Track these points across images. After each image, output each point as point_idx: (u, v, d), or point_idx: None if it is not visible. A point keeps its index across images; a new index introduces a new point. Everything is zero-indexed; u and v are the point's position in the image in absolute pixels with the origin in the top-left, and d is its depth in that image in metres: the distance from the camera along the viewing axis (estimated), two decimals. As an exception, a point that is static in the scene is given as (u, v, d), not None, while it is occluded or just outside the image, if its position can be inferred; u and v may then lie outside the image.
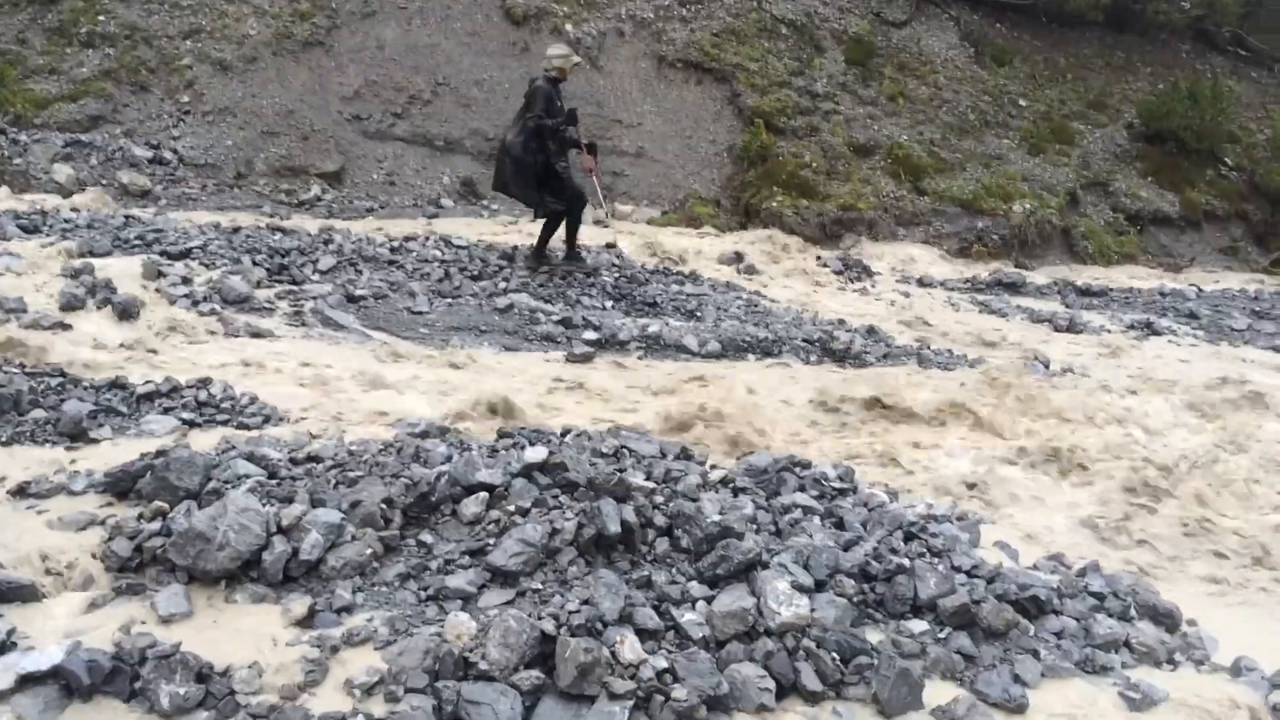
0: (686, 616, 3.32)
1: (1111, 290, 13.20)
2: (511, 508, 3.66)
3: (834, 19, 18.13)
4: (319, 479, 3.82)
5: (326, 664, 2.94)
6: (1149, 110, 18.50)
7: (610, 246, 11.01)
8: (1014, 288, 12.79)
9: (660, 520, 3.84)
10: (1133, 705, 3.28)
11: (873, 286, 12.07)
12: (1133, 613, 4.01)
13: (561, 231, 9.60)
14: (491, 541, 3.50)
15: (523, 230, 11.76)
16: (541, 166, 9.15)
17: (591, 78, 15.53)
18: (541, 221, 9.63)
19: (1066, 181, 16.77)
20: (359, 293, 7.80)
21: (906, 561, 3.84)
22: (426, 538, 3.59)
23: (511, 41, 15.54)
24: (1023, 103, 18.41)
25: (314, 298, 7.46)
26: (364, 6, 15.09)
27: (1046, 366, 8.62)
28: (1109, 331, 10.69)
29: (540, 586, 3.35)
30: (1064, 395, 7.26)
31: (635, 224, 13.28)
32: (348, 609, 3.19)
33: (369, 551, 3.41)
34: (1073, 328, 10.69)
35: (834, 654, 3.29)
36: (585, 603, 3.22)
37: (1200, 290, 13.78)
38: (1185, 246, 16.99)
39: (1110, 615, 3.92)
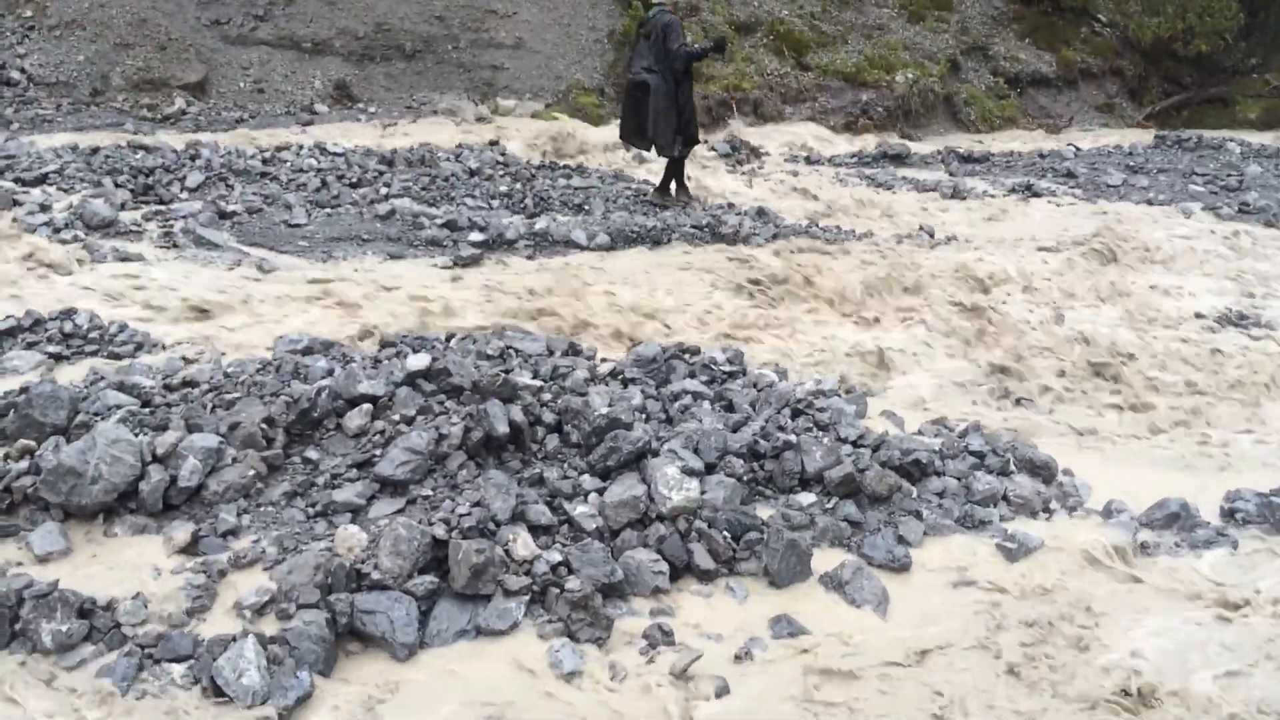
0: (579, 509, 3.36)
1: (993, 155, 13.43)
2: (396, 417, 3.63)
3: (708, -109, 17.66)
4: (194, 404, 3.72)
5: (214, 588, 2.91)
6: (1025, -32, 18.59)
7: (493, 144, 10.76)
8: (900, 159, 12.91)
9: (549, 417, 3.84)
10: (1009, 555, 3.44)
11: (761, 167, 12.06)
12: (1011, 468, 4.18)
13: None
14: (378, 453, 3.46)
15: (404, 134, 11.42)
16: (683, 103, 8.97)
17: (462, -34, 14.95)
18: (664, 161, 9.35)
19: (947, 48, 16.86)
20: (231, 208, 7.51)
21: (793, 438, 3.93)
22: (311, 454, 3.53)
23: (374, -69, 14.82)
24: (899, -32, 18.31)
25: (184, 216, 7.15)
26: (212, -99, 14.19)
27: (932, 235, 8.77)
28: (992, 196, 10.91)
29: (430, 493, 3.35)
30: (949, 261, 7.41)
31: (519, 118, 12.97)
32: (233, 532, 3.14)
33: (251, 473, 3.35)
34: (957, 195, 10.87)
35: (725, 532, 3.37)
36: (476, 505, 3.22)
37: (1078, 149, 14.12)
38: (1064, 106, 17.32)
39: (990, 472, 4.08)
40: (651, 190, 9.58)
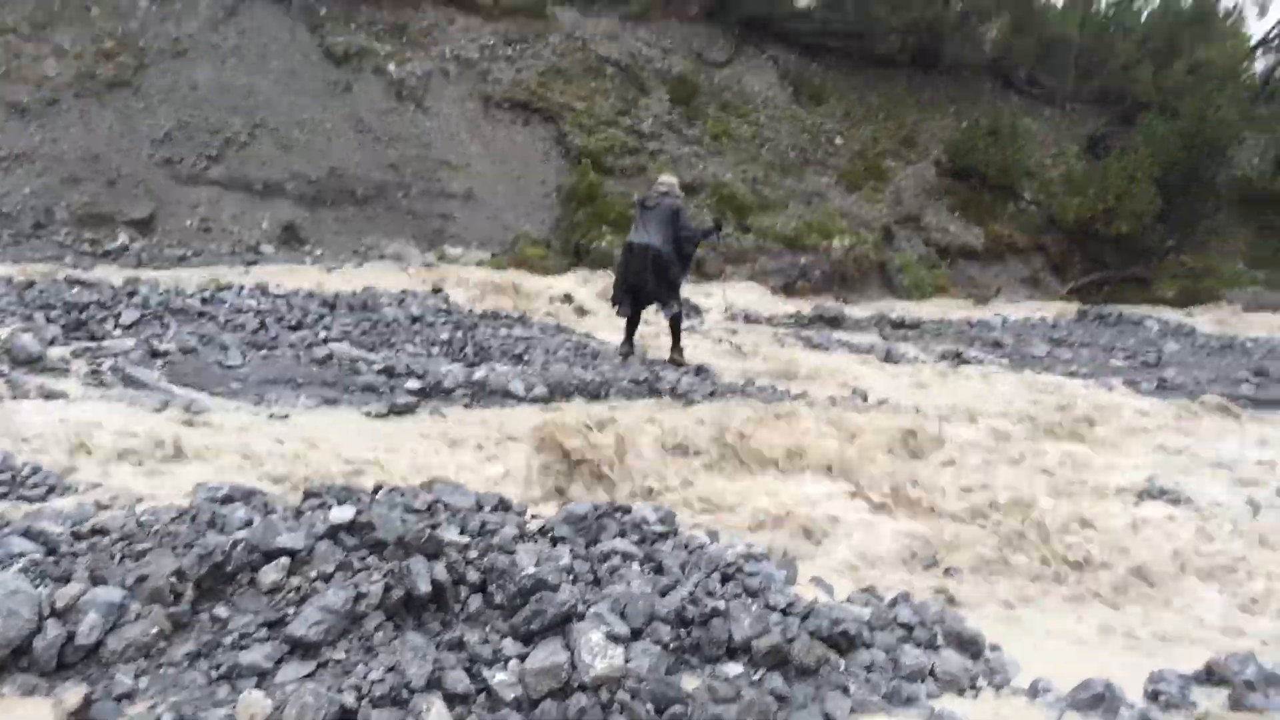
0: (498, 677, 3.24)
1: (924, 322, 13.83)
2: (314, 573, 3.51)
3: (658, 59, 18.54)
4: (102, 553, 3.58)
5: (104, 759, 2.74)
6: (954, 147, 19.61)
7: (437, 291, 10.86)
8: (835, 322, 13.26)
9: (474, 576, 3.75)
10: (936, 735, 3.38)
11: (701, 324, 12.28)
12: (939, 641, 4.14)
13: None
14: (291, 611, 3.34)
15: (348, 278, 11.49)
16: (677, 273, 9.87)
17: (417, 119, 15.40)
18: (666, 322, 10.06)
19: (881, 217, 17.57)
20: (165, 347, 7.43)
21: (722, 604, 3.87)
22: (221, 611, 3.39)
23: (333, 81, 15.27)
24: (839, 141, 19.22)
25: (114, 355, 7.06)
26: (174, 46, 14.56)
27: (865, 398, 8.93)
28: (923, 362, 11.18)
29: (343, 656, 3.22)
30: (883, 426, 7.52)
31: (465, 267, 13.16)
32: (129, 695, 2.98)
33: (155, 630, 3.20)
34: (890, 359, 11.13)
35: (648, 704, 3.27)
36: (390, 670, 3.10)
37: (1005, 320, 14.60)
38: (991, 277, 18.01)
39: (918, 645, 4.03)
40: (667, 358, 9.98)
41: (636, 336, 10.00)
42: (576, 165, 15.58)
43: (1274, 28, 24.58)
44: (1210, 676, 4.05)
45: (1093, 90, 23.40)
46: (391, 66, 15.67)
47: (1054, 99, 23.32)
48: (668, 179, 10.47)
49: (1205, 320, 16.34)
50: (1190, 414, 9.22)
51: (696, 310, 12.84)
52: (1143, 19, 24.56)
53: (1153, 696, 3.89)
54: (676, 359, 9.84)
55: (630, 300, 9.86)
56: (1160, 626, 4.79)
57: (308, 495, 4.48)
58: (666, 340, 10.71)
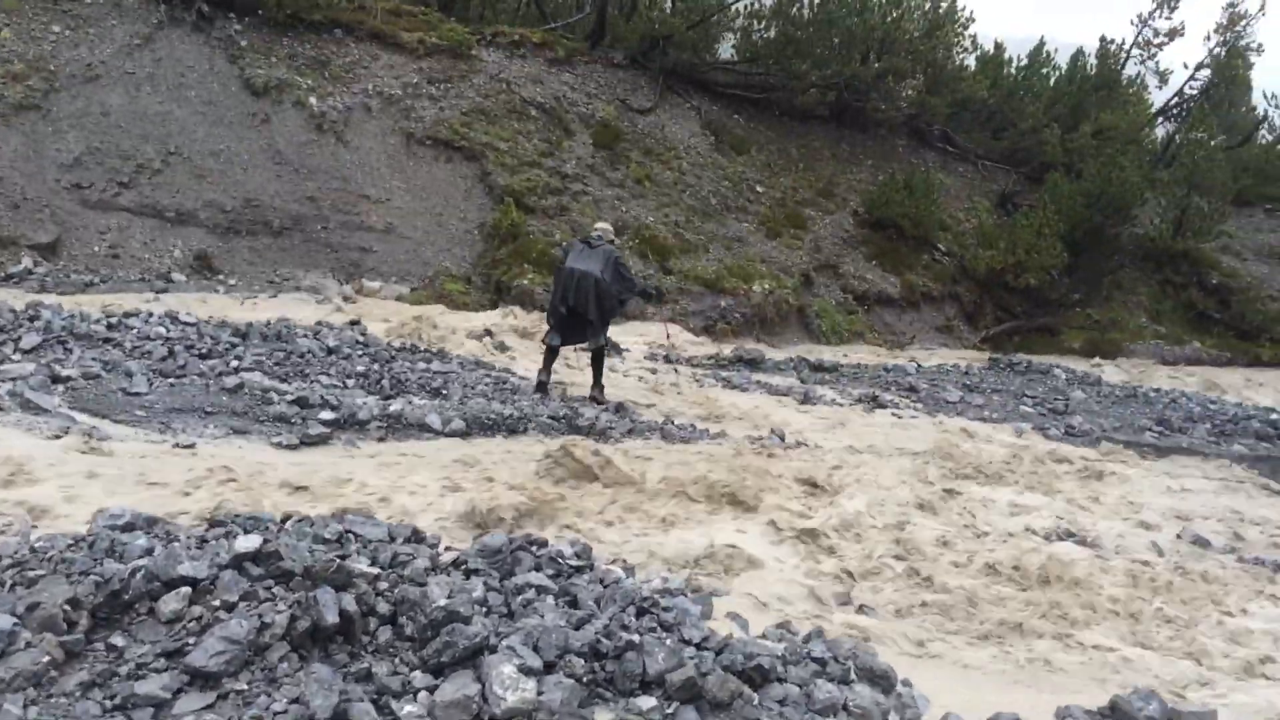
0: (406, 709, 3.16)
1: (842, 366, 14.05)
2: (217, 603, 3.39)
3: (582, 103, 18.67)
4: (-9, 581, 3.41)
5: (-16, 793, 2.59)
6: (871, 199, 20.08)
7: (354, 324, 10.70)
8: (754, 364, 13.38)
9: (384, 607, 3.66)
10: (847, 768, 3.38)
11: (622, 363, 12.29)
12: (852, 676, 4.15)
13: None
14: (191, 641, 3.21)
15: (263, 308, 11.26)
16: (611, 307, 9.99)
17: (338, 152, 15.24)
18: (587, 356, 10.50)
19: (801, 264, 17.85)
20: (67, 373, 7.17)
21: (636, 638, 3.83)
22: (117, 640, 3.25)
23: (251, 113, 15.04)
24: (760, 189, 19.53)
25: (13, 379, 6.79)
26: (86, 71, 14.21)
27: (782, 439, 9.01)
28: (840, 405, 11.34)
29: (245, 687, 3.10)
30: (797, 466, 7.59)
31: (383, 301, 13.00)
32: (15, 727, 2.83)
33: (46, 659, 3.05)
34: (808, 401, 11.26)
35: (560, 738, 3.22)
36: (294, 702, 3.00)
37: (919, 366, 14.91)
38: (907, 324, 18.40)
39: (831, 680, 4.04)
40: (587, 394, 9.98)
41: (553, 374, 9.93)
42: (499, 204, 15.57)
43: (1173, 97, 25.71)
44: (1113, 713, 4.13)
45: (1003, 149, 24.22)
46: (312, 100, 15.51)
47: (966, 156, 24.08)
48: (603, 225, 10.57)
49: (1111, 370, 16.91)
50: (1096, 459, 9.48)
51: (616, 348, 12.85)
52: (1050, 83, 25.58)
53: (1059, 731, 3.95)
54: (596, 396, 9.80)
55: (559, 330, 9.79)
56: (1067, 663, 4.88)
57: (212, 524, 4.34)
58: (584, 377, 10.70)
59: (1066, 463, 9.14)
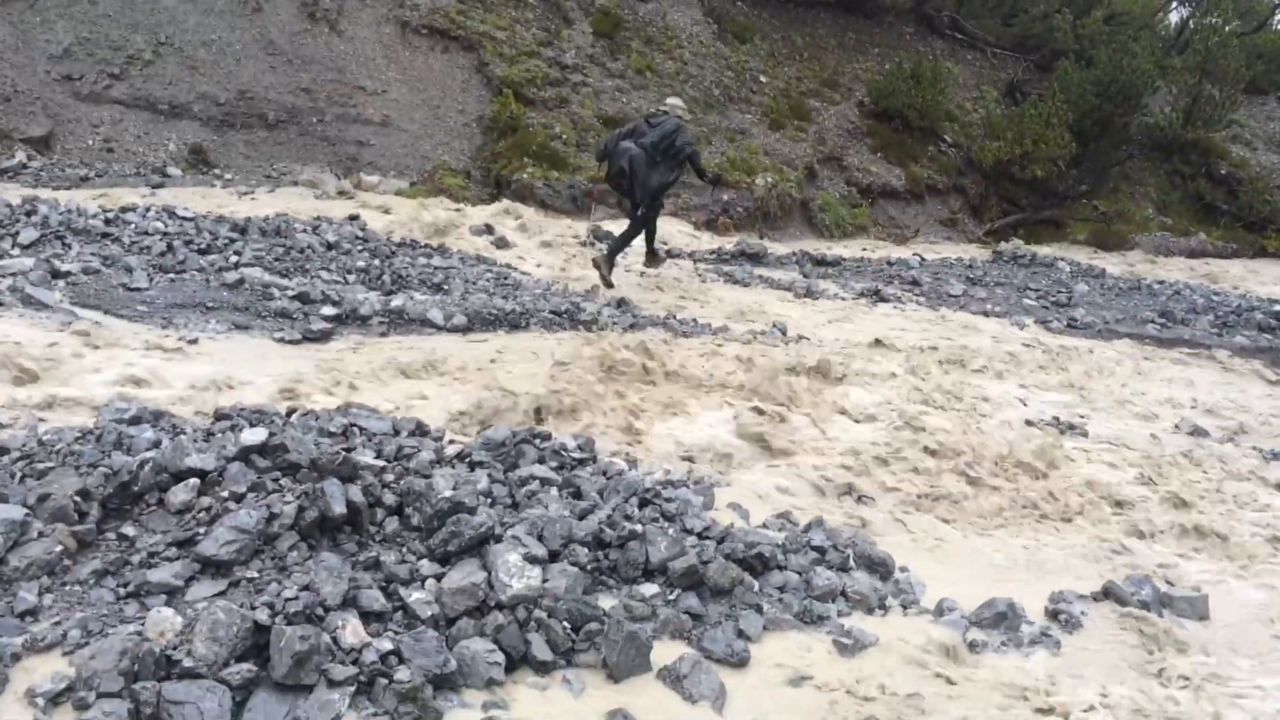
0: (414, 596, 3.24)
1: (845, 260, 13.96)
2: (225, 494, 3.45)
3: (582, -9, 18.19)
4: (2, 472, 3.45)
5: (6, 674, 2.67)
6: (877, 89, 19.68)
7: (353, 218, 10.61)
8: (757, 258, 13.30)
9: (390, 499, 3.72)
10: (844, 650, 3.47)
11: (624, 258, 12.21)
12: (851, 563, 4.24)
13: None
14: (201, 531, 3.27)
15: (260, 202, 11.17)
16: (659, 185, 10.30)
17: (331, 42, 14.91)
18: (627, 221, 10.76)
19: (804, 156, 17.60)
20: (66, 268, 7.14)
21: (639, 527, 3.90)
22: (128, 530, 3.31)
23: (242, 1, 14.64)
24: (763, 79, 19.15)
25: (13, 274, 6.76)
26: (73, -43, 13.80)
27: (784, 333, 9.01)
28: (842, 299, 11.31)
29: (256, 575, 3.17)
30: (798, 358, 7.61)
31: (382, 195, 12.86)
32: (32, 612, 2.90)
33: (59, 548, 3.12)
34: (810, 295, 11.24)
35: (565, 623, 3.30)
36: (305, 589, 3.07)
37: (923, 259, 14.83)
38: (911, 218, 18.23)
39: (830, 567, 4.12)
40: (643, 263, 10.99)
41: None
42: (497, 95, 15.26)
43: (1188, -20, 25.02)
44: (1108, 596, 4.22)
45: (1013, 36, 23.65)
46: (306, -14, 15.11)
47: (975, 44, 23.51)
48: (672, 101, 11.04)
49: (1114, 262, 16.83)
50: (1096, 351, 9.50)
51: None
52: (1063, -34, 24.83)
53: (1052, 615, 4.04)
54: (649, 264, 10.85)
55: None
56: (1063, 550, 4.97)
57: (219, 417, 4.38)
58: (588, 272, 10.67)
59: (1067, 355, 9.15)
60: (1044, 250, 16.91)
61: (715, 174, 12.22)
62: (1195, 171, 22.05)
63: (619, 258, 10.50)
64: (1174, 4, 26.01)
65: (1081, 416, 7.36)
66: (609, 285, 9.87)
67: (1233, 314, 12.48)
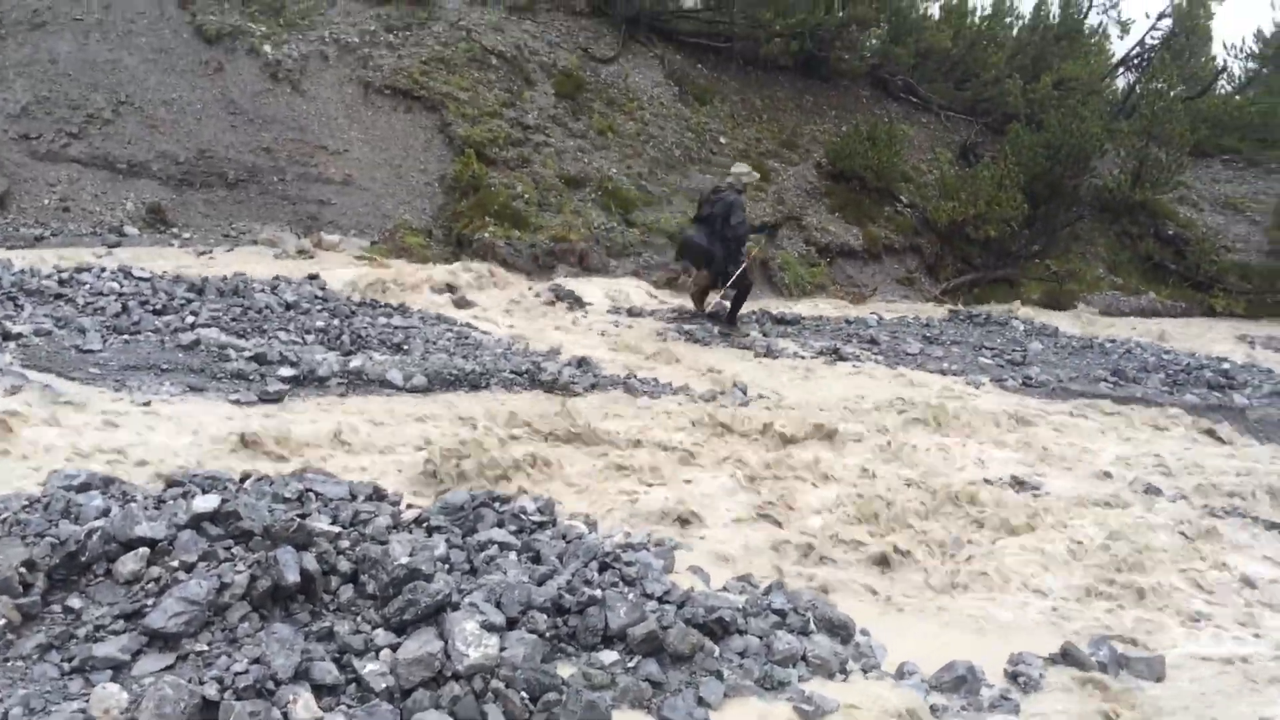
0: (369, 667, 3.18)
1: (804, 319, 14.08)
2: (175, 563, 3.38)
3: (544, 53, 18.41)
4: (-57, 544, 3.37)
5: (-59, 757, 2.58)
6: (834, 151, 20.02)
7: (312, 278, 10.57)
8: (716, 318, 13.36)
9: (345, 566, 3.67)
10: (806, 717, 3.44)
11: (584, 317, 12.26)
12: (812, 626, 4.23)
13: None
14: (150, 602, 3.20)
15: (219, 262, 11.11)
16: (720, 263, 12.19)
17: (294, 102, 14.95)
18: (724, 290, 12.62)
19: (764, 215, 17.78)
20: (18, 329, 7.04)
21: (599, 592, 3.87)
22: (74, 602, 3.24)
23: (204, 60, 14.69)
24: (723, 140, 19.41)
25: (-38, 336, 6.66)
26: (32, 17, 13.81)
27: (744, 393, 9.04)
28: (802, 357, 11.39)
29: (205, 648, 3.10)
30: (758, 419, 7.64)
31: (343, 254, 12.84)
32: (-29, 691, 2.81)
33: (2, 622, 3.04)
34: (770, 354, 11.31)
35: (523, 692, 3.25)
36: (255, 661, 3.01)
37: (880, 318, 14.99)
38: (868, 277, 18.45)
39: (791, 631, 4.11)
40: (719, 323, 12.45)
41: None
42: (460, 155, 15.34)
43: (1135, 47, 25.78)
44: (1065, 658, 4.23)
45: (965, 100, 24.18)
46: (267, 47, 15.16)
47: (929, 107, 24.02)
48: (738, 169, 12.66)
49: (1067, 321, 17.10)
50: (1050, 410, 9.62)
51: (579, 301, 12.81)
52: (1014, 33, 25.51)
53: (1012, 677, 4.05)
54: (725, 326, 12.33)
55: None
56: (1023, 612, 4.98)
57: (170, 484, 4.31)
58: (549, 334, 10.71)
59: (1023, 413, 9.26)
60: (997, 309, 17.16)
61: (766, 226, 14.26)
62: (1144, 232, 22.54)
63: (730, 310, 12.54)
64: (1120, 70, 26.76)
65: (1039, 475, 7.43)
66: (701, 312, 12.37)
67: (1183, 372, 12.71)
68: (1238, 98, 26.82)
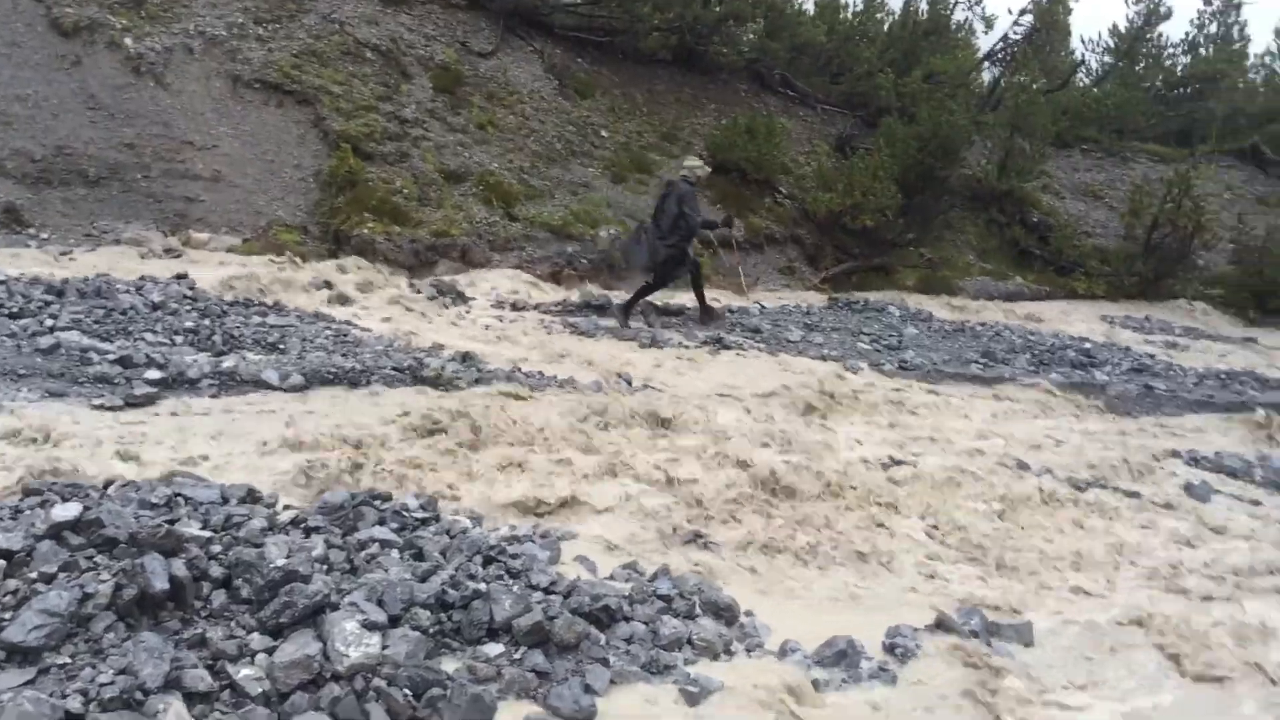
0: (243, 672, 3.10)
1: (688, 309, 14.20)
2: (34, 575, 3.23)
3: (420, 46, 18.14)
4: None
5: None
6: (715, 143, 20.24)
7: (180, 278, 10.20)
8: (602, 309, 13.39)
9: (217, 571, 3.56)
10: (690, 699, 3.49)
11: (468, 312, 12.13)
12: (697, 610, 4.28)
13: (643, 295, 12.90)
14: (7, 616, 3.06)
15: (80, 263, 10.64)
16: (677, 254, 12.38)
17: (157, 96, 14.39)
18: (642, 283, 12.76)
19: (646, 208, 17.87)
20: None
21: (483, 586, 3.85)
22: (-77, 621, 3.06)
23: (60, 55, 14.02)
24: (604, 133, 19.43)
25: None
26: None
27: (630, 383, 9.09)
28: (686, 347, 11.50)
29: (68, 661, 2.98)
30: (643, 408, 7.68)
31: (213, 252, 12.43)
32: None
33: None
34: (655, 344, 11.38)
35: (406, 689, 3.21)
36: (122, 672, 2.90)
37: (763, 307, 15.23)
38: (750, 267, 18.70)
39: (676, 615, 4.15)
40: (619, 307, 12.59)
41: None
42: (335, 150, 14.99)
43: (999, 42, 26.72)
44: (939, 628, 4.38)
45: (840, 94, 24.72)
46: (128, 40, 14.54)
47: (806, 100, 24.48)
48: (690, 163, 12.80)
49: (940, 306, 17.67)
50: (925, 391, 9.93)
51: (462, 296, 12.67)
52: (885, 28, 26.18)
53: (890, 649, 4.17)
54: (704, 319, 12.92)
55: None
56: (899, 586, 5.14)
57: (27, 493, 4.12)
58: (432, 321, 10.58)
59: (899, 395, 9.54)
60: (875, 296, 17.62)
61: (715, 223, 14.27)
62: (1011, 220, 23.42)
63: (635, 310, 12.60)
64: (986, 64, 27.70)
65: (914, 454, 7.66)
66: (624, 326, 12.10)
67: (1048, 352, 13.27)
68: (1095, 90, 28.08)
